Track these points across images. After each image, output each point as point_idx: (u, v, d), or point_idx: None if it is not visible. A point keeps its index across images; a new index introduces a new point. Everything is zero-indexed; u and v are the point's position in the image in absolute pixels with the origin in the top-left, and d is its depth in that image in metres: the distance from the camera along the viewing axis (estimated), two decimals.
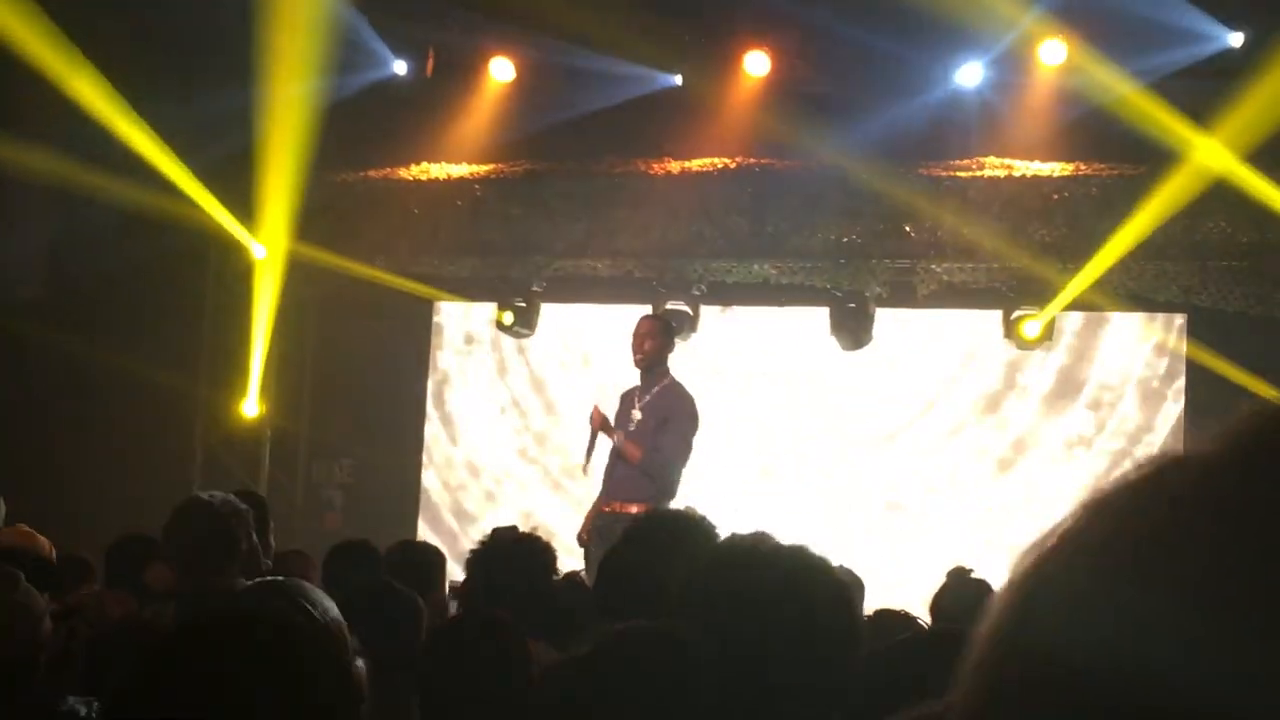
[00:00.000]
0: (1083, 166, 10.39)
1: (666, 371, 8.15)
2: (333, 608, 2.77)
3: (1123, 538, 0.75)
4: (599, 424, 8.12)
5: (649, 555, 4.01)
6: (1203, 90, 9.74)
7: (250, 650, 1.86)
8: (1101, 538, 0.76)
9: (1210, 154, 9.65)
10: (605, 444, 8.16)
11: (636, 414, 8.06)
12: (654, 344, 8.14)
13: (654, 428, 7.96)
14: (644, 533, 4.33)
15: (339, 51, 10.78)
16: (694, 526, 4.38)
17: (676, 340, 8.63)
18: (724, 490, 10.10)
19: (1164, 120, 9.73)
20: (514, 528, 4.89)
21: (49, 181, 10.69)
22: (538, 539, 4.78)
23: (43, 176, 10.54)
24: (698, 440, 8.08)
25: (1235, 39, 10.15)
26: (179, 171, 10.82)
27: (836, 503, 11.16)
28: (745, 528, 4.67)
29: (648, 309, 10.57)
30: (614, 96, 11.05)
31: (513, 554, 4.60)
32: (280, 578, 3.12)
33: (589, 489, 8.43)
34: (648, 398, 8.05)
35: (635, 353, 8.12)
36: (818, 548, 2.51)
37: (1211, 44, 10.11)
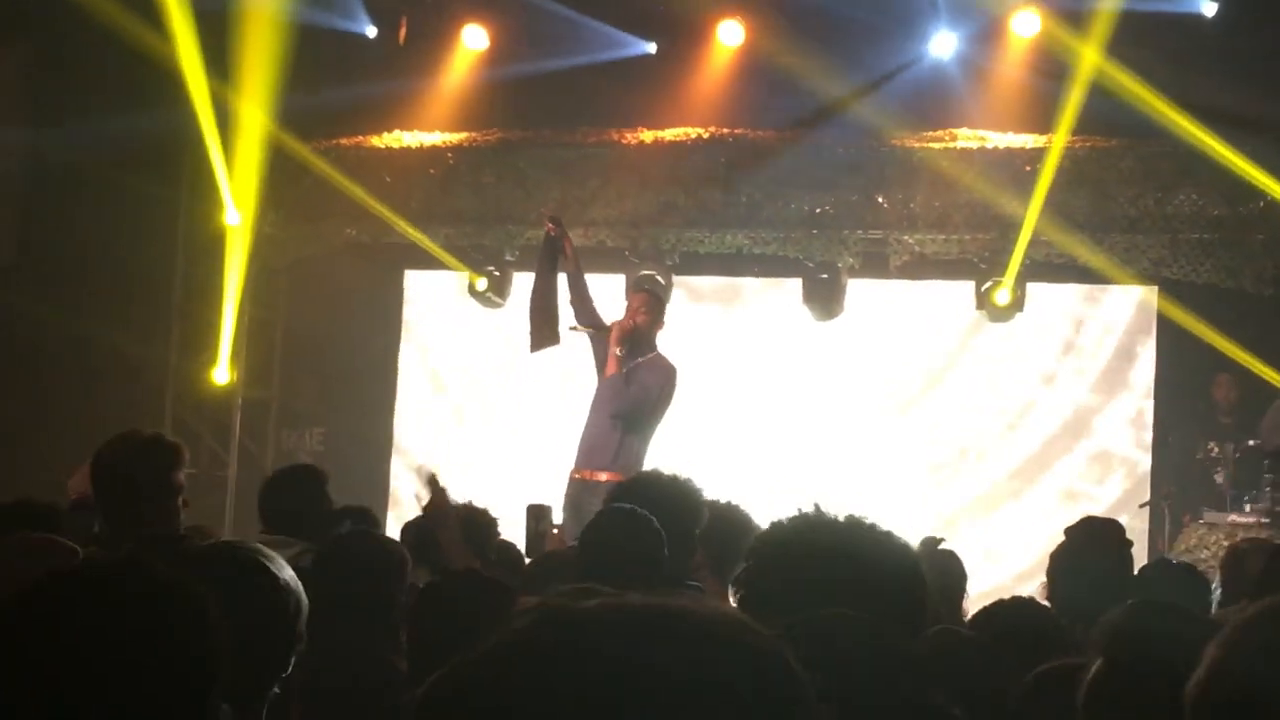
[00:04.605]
0: (1055, 138, 10.40)
1: (654, 345, 8.20)
2: (287, 570, 2.80)
3: None
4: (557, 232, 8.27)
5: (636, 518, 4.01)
6: (1168, 59, 9.77)
7: (107, 602, 1.89)
8: None
9: (1180, 126, 9.69)
10: (579, 409, 8.20)
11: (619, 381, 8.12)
12: (624, 320, 8.19)
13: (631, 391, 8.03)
14: (628, 496, 4.32)
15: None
16: (681, 489, 4.39)
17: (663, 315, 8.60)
18: (693, 459, 10.08)
19: (1135, 92, 9.74)
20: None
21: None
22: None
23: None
24: (670, 412, 8.15)
25: (1208, 8, 10.15)
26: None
27: (807, 470, 11.15)
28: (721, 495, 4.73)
29: (621, 278, 10.57)
30: (587, 66, 11.02)
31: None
32: (236, 541, 3.14)
33: (561, 456, 8.44)
34: (630, 367, 8.09)
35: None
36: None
37: (1182, 3, 10.09)
